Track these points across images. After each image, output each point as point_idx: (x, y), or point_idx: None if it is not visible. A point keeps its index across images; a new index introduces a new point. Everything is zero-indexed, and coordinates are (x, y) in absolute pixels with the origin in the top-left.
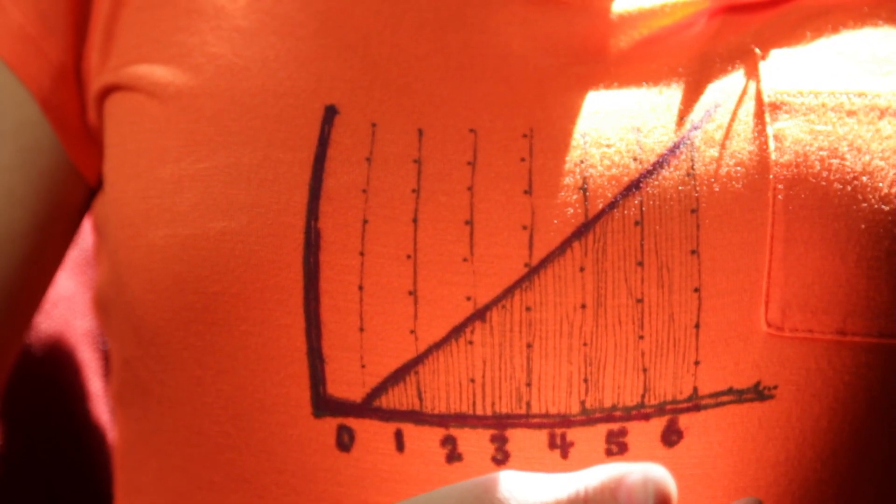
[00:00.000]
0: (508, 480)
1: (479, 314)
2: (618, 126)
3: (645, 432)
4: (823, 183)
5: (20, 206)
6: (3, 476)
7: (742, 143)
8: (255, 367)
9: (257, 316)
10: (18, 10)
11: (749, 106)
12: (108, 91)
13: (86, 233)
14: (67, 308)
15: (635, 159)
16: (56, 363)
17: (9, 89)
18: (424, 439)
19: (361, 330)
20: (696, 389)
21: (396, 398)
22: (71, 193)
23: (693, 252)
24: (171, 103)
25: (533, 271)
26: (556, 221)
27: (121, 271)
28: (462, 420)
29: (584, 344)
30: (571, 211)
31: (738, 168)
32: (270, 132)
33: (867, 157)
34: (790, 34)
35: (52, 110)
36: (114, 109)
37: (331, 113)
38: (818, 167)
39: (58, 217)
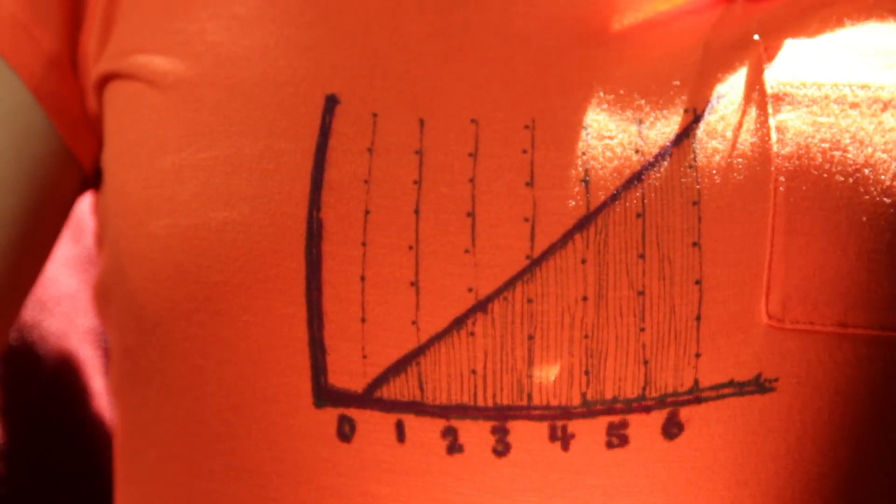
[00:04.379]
0: None
1: (481, 305)
2: (620, 117)
3: (646, 425)
4: (825, 175)
5: (11, 192)
6: (7, 474)
7: (744, 135)
8: (257, 357)
9: (259, 306)
10: None
11: (752, 97)
12: (107, 79)
13: (87, 233)
14: (70, 306)
15: (637, 151)
16: (58, 361)
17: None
18: (425, 430)
19: (363, 320)
20: (696, 382)
21: (398, 389)
22: (65, 179)
23: (694, 244)
24: (171, 92)
25: (534, 263)
26: (557, 213)
27: (122, 260)
28: (463, 411)
29: (586, 336)
30: (573, 203)
31: (740, 160)
32: (271, 122)
33: (869, 150)
34: (794, 25)
35: (46, 97)
36: (113, 97)
37: (332, 102)
38: (820, 159)
39: (50, 203)
